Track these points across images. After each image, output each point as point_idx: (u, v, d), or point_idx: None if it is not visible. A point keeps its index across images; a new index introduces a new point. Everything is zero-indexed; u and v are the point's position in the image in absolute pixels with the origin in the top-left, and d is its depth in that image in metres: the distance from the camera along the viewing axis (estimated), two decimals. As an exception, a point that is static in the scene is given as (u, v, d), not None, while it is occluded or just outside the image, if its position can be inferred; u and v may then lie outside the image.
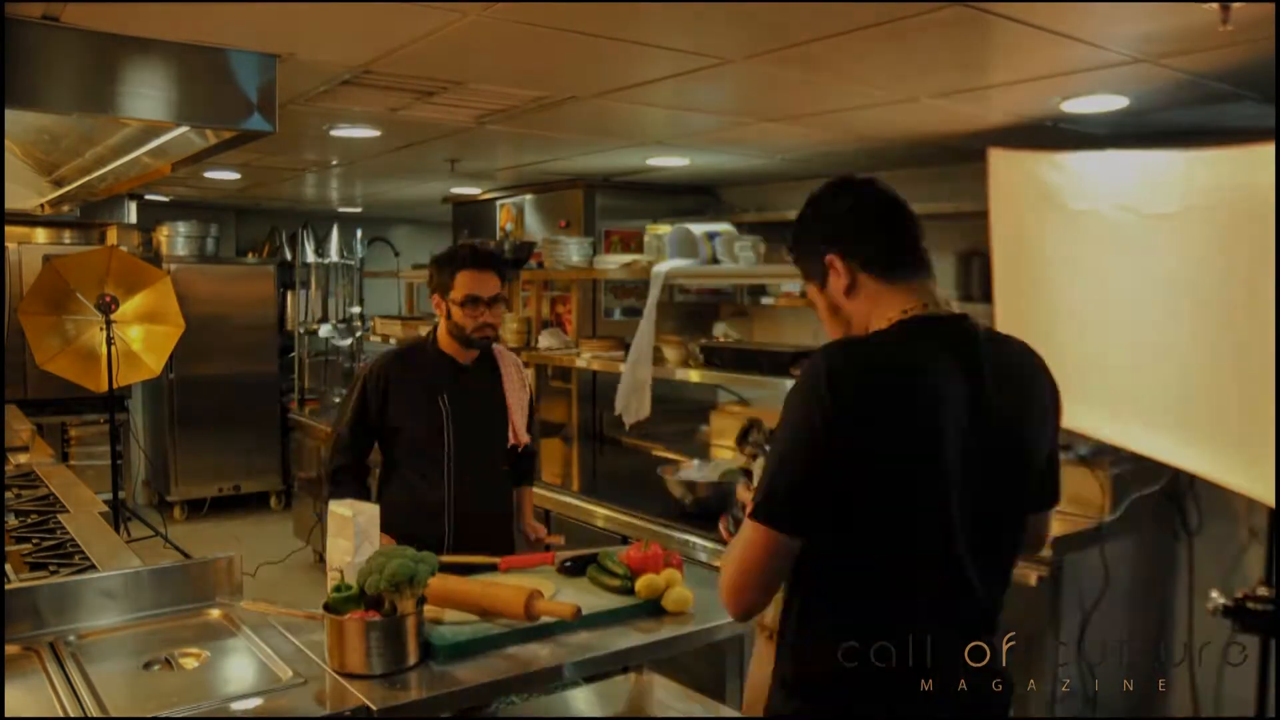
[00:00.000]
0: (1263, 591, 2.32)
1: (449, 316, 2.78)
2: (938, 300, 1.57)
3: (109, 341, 4.50)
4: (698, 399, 4.91)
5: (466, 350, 2.83)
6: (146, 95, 2.42)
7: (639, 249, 4.55)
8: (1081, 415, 1.85)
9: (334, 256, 7.77)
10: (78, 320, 4.55)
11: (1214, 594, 2.36)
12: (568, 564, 2.39)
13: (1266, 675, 2.85)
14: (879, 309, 1.56)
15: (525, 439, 2.97)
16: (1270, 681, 2.78)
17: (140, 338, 4.67)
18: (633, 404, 3.91)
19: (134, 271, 4.70)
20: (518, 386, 2.95)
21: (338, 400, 6.84)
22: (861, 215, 1.62)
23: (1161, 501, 3.36)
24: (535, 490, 3.98)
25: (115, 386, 4.67)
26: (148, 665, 1.91)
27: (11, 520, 2.90)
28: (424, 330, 5.25)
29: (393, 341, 5.77)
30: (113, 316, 4.51)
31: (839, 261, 1.58)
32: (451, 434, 2.77)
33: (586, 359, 4.46)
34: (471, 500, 2.84)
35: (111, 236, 6.89)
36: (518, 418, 2.93)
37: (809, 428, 1.41)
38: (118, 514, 4.92)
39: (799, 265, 1.68)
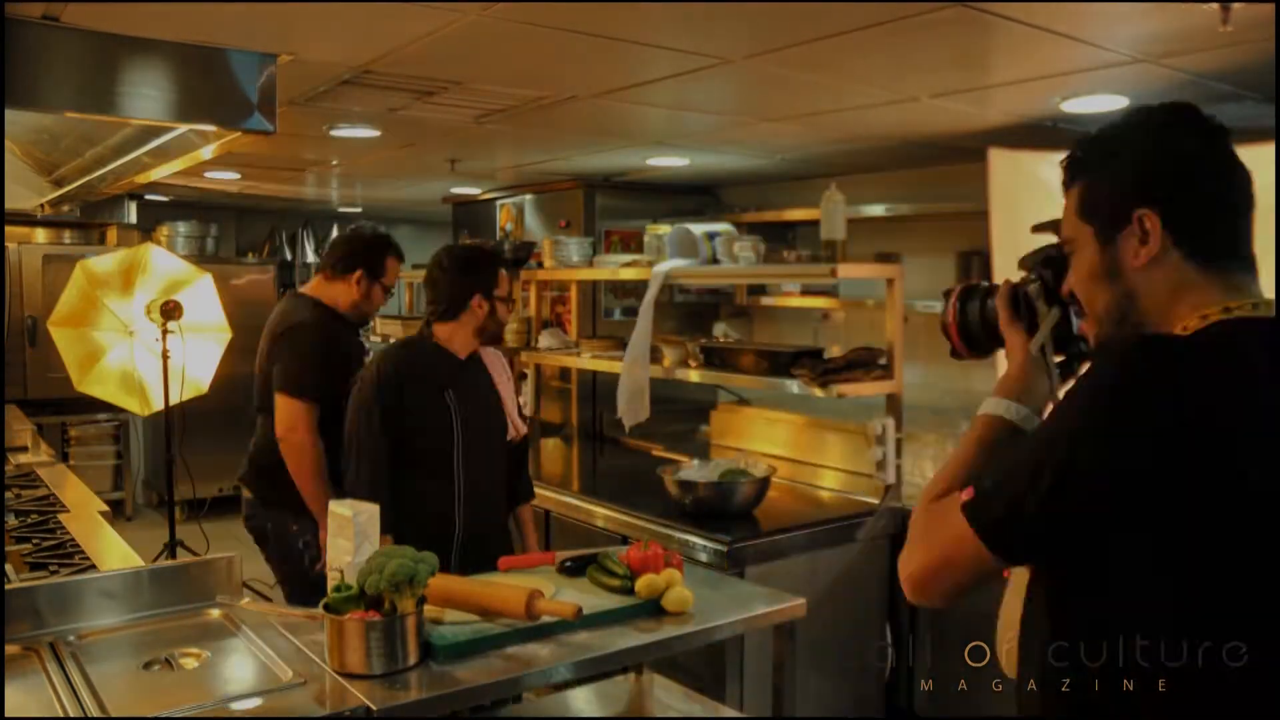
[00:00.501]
0: None
1: (491, 314, 2.81)
2: (1263, 300, 1.18)
3: (165, 356, 3.81)
4: (698, 399, 4.91)
5: (468, 346, 2.84)
6: (146, 95, 2.42)
7: (639, 249, 4.55)
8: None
9: (334, 256, 7.77)
10: (105, 332, 3.89)
11: None
12: (568, 564, 2.39)
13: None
14: (1184, 300, 1.17)
15: (523, 429, 3.01)
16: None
17: (181, 349, 3.93)
18: (632, 406, 3.91)
19: (171, 272, 4.03)
20: (504, 378, 2.98)
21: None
22: (1203, 172, 1.21)
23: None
24: (556, 496, 3.91)
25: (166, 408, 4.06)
26: (148, 665, 1.91)
27: (11, 520, 2.90)
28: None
29: (392, 341, 5.76)
30: (137, 327, 3.86)
31: (1153, 220, 1.17)
32: (460, 429, 2.77)
33: (586, 359, 4.46)
34: (481, 497, 2.84)
35: (111, 236, 6.89)
36: (511, 407, 2.96)
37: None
38: (173, 522, 4.58)
39: (1081, 197, 1.29)
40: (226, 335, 4.24)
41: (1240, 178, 1.22)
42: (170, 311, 3.80)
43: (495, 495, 2.91)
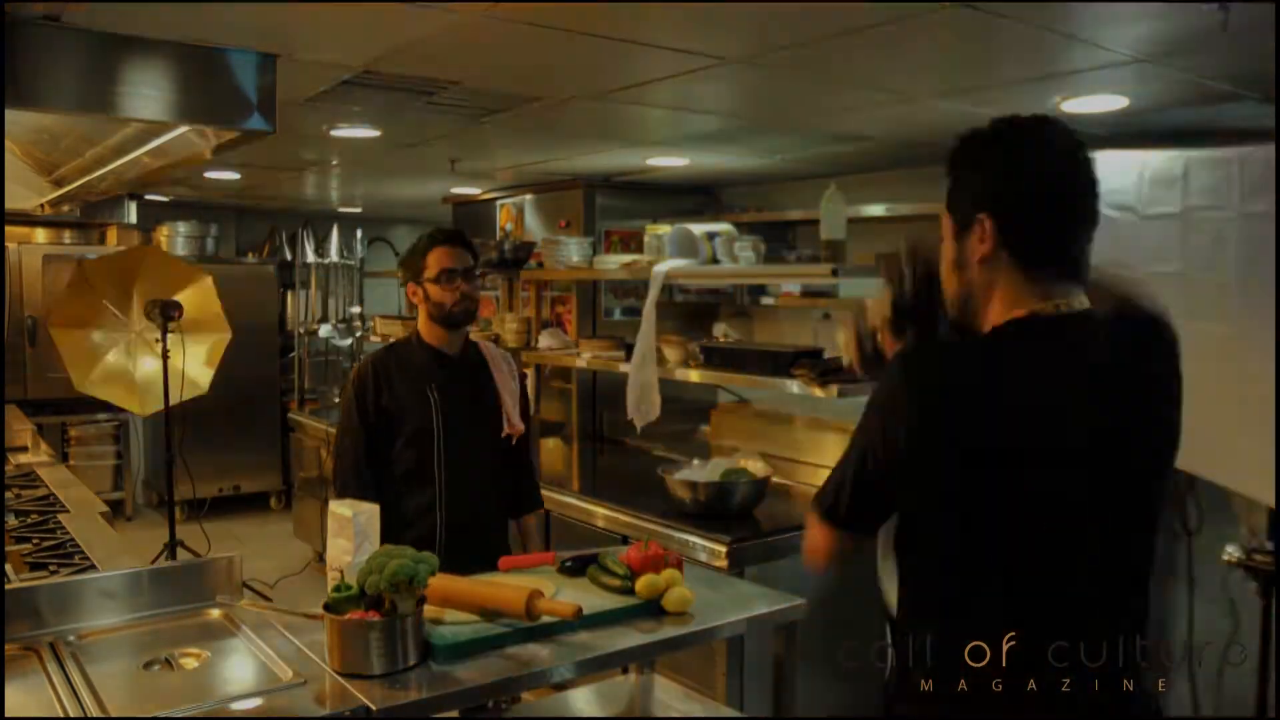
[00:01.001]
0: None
1: (428, 299, 2.77)
2: (1072, 301, 1.37)
3: (164, 355, 3.80)
4: (698, 399, 4.91)
5: (451, 334, 2.81)
6: (146, 95, 2.42)
7: (639, 249, 4.55)
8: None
9: (334, 256, 7.78)
10: (105, 331, 3.90)
11: (1229, 548, 2.86)
12: (568, 564, 2.39)
13: (1266, 675, 2.85)
14: (1003, 300, 1.38)
15: (520, 426, 2.93)
16: (1270, 681, 2.78)
17: (181, 350, 3.95)
18: (643, 407, 3.91)
19: (171, 273, 4.07)
20: (508, 375, 2.93)
21: (337, 400, 6.84)
22: (1041, 187, 1.38)
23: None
24: (566, 500, 3.81)
25: (164, 408, 4.05)
26: (148, 665, 1.91)
27: (11, 520, 2.90)
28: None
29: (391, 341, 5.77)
30: (137, 328, 3.89)
31: (989, 225, 1.37)
32: (441, 425, 2.75)
33: (586, 359, 4.46)
34: (463, 495, 2.81)
35: (111, 237, 6.89)
36: (509, 404, 2.90)
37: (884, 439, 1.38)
38: (173, 522, 4.52)
39: (948, 192, 1.46)
40: (227, 336, 4.26)
41: (1082, 193, 1.38)
42: (170, 312, 3.82)
43: (481, 491, 2.87)
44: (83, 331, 3.91)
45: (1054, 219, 1.37)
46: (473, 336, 2.98)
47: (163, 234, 7.22)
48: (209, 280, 4.25)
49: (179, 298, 3.96)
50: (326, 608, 1.87)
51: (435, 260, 2.76)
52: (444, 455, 2.77)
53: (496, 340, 4.83)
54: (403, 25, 2.35)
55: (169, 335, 3.91)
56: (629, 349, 4.09)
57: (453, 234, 2.85)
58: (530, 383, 4.94)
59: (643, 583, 2.19)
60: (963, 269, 1.41)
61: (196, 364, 4.11)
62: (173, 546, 4.45)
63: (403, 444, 2.77)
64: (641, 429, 4.03)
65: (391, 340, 3.25)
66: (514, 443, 2.94)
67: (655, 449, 4.60)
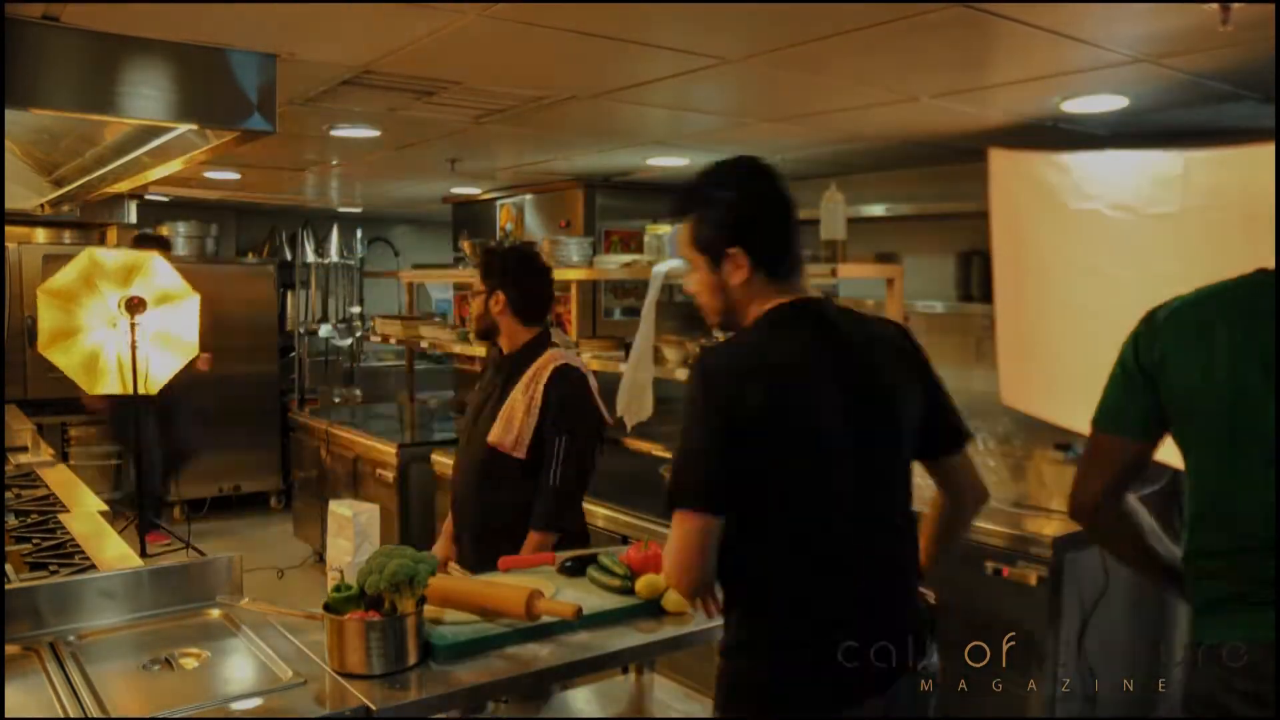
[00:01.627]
0: None
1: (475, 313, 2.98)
2: (806, 292, 1.78)
3: (134, 346, 4.09)
4: (698, 399, 4.90)
5: (489, 345, 3.05)
6: (146, 95, 2.42)
7: (639, 249, 4.55)
8: (1081, 415, 1.85)
9: (334, 256, 7.78)
10: (91, 315, 4.16)
11: None
12: (568, 564, 2.39)
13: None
14: (757, 300, 1.75)
15: (506, 442, 2.75)
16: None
17: (145, 354, 4.26)
18: (634, 406, 3.91)
19: (164, 284, 4.34)
20: (527, 389, 2.79)
21: (337, 400, 6.84)
22: (770, 215, 1.79)
23: (1161, 501, 3.36)
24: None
25: (102, 393, 4.37)
26: (148, 665, 1.91)
27: (11, 520, 2.90)
28: (425, 330, 5.27)
29: (393, 341, 5.78)
30: (121, 320, 4.16)
31: (742, 255, 1.73)
32: (463, 427, 2.94)
33: (586, 359, 4.45)
34: (458, 500, 2.92)
35: (112, 237, 6.89)
36: (507, 417, 2.76)
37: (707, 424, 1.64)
38: (144, 522, 4.68)
39: (693, 231, 1.79)
40: (193, 354, 4.54)
41: (792, 211, 1.81)
42: (135, 306, 4.09)
43: (470, 500, 2.88)
44: (68, 306, 4.11)
45: (785, 236, 1.79)
46: (556, 339, 3.00)
47: (163, 234, 7.21)
48: (196, 300, 4.51)
49: (167, 309, 4.23)
50: (326, 608, 1.87)
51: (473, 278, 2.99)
52: (458, 458, 2.95)
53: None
54: (403, 25, 2.35)
55: (137, 329, 4.20)
56: (629, 349, 4.09)
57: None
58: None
59: (643, 583, 2.19)
60: (723, 292, 1.76)
61: (160, 367, 4.39)
62: (144, 545, 4.55)
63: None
64: (642, 429, 4.03)
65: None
66: (524, 456, 2.76)
67: (655, 449, 4.60)
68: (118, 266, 4.18)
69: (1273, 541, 1.54)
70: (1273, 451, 1.54)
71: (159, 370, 4.38)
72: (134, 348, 4.08)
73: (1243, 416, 1.57)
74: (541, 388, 2.78)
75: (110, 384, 4.29)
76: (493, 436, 2.77)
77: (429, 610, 1.98)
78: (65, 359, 4.16)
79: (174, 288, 4.36)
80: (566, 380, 2.81)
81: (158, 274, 4.26)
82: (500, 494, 2.80)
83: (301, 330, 7.60)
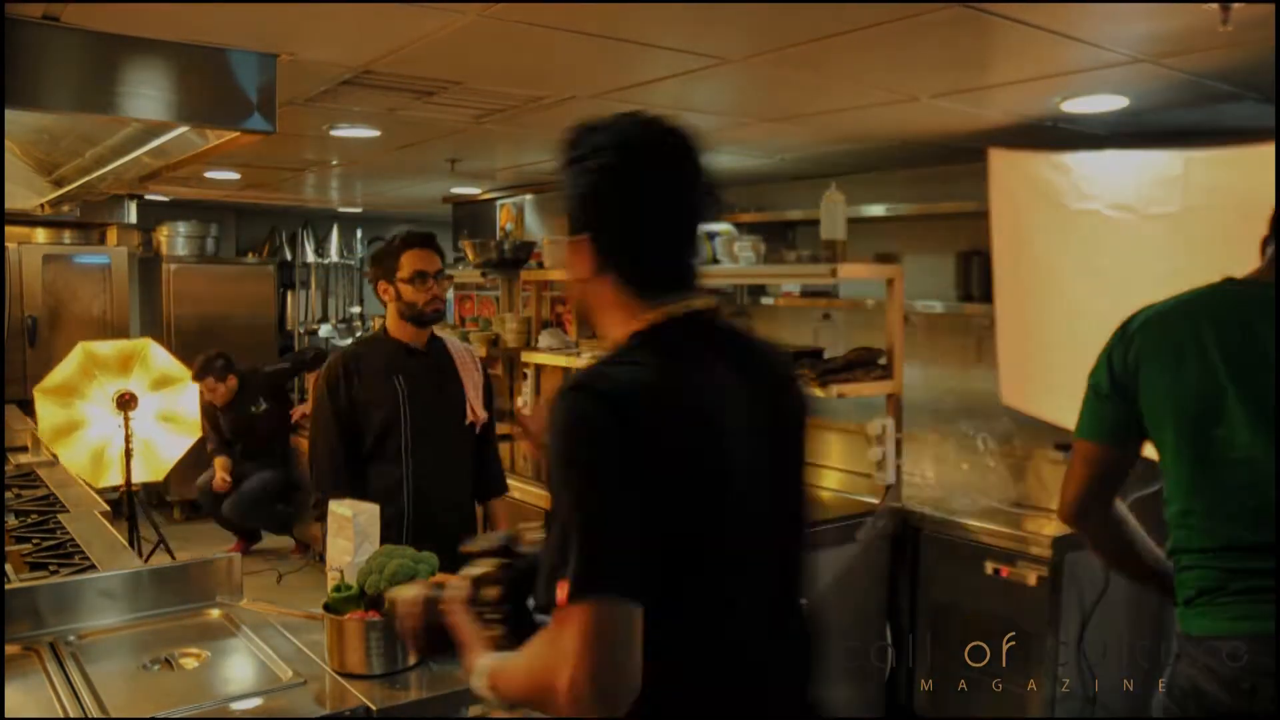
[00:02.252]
0: None
1: (399, 298, 2.88)
2: (677, 306, 1.32)
3: (128, 440, 4.20)
4: (698, 399, 4.90)
5: (419, 331, 2.92)
6: (146, 95, 2.42)
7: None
8: (1081, 415, 1.88)
9: (334, 256, 7.78)
10: (90, 410, 4.25)
11: None
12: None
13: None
14: (617, 314, 1.34)
15: (483, 414, 3.01)
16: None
17: (150, 439, 4.39)
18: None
19: (163, 368, 4.47)
20: (472, 368, 3.02)
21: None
22: (630, 208, 1.31)
23: (1157, 503, 3.36)
24: (529, 488, 3.86)
25: (116, 485, 4.37)
26: (148, 665, 1.91)
27: (11, 520, 2.90)
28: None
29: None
30: (131, 413, 4.28)
31: (587, 245, 1.32)
32: (408, 412, 2.85)
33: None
34: (430, 479, 2.89)
35: (111, 237, 6.89)
36: (472, 394, 2.99)
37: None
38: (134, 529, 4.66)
39: (563, 208, 1.37)
40: (196, 433, 4.62)
41: (686, 201, 1.33)
42: (126, 402, 4.19)
43: (448, 478, 2.93)
44: (68, 401, 4.19)
45: (658, 235, 1.32)
46: (438, 332, 3.03)
47: (163, 234, 7.22)
48: (194, 386, 4.65)
49: (167, 393, 4.35)
50: (326, 608, 1.88)
51: (409, 262, 2.86)
52: (410, 442, 2.86)
53: (497, 341, 4.84)
54: (403, 25, 2.35)
55: (150, 424, 4.34)
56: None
57: (425, 237, 2.97)
58: (530, 382, 4.97)
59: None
60: (578, 284, 1.36)
61: (167, 450, 4.50)
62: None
63: (375, 431, 2.86)
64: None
65: (355, 340, 3.33)
66: (478, 430, 3.01)
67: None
68: (114, 356, 4.29)
69: (1246, 540, 1.60)
70: (1243, 455, 1.59)
71: (167, 452, 4.48)
72: (128, 440, 4.17)
73: (1212, 422, 1.63)
74: (479, 365, 3.08)
75: (115, 476, 4.32)
76: (475, 415, 3.00)
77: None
78: (69, 453, 4.17)
79: (172, 371, 4.48)
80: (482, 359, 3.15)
81: (155, 359, 4.38)
82: (467, 469, 3.02)
83: (301, 330, 7.60)
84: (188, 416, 4.56)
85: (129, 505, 4.43)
